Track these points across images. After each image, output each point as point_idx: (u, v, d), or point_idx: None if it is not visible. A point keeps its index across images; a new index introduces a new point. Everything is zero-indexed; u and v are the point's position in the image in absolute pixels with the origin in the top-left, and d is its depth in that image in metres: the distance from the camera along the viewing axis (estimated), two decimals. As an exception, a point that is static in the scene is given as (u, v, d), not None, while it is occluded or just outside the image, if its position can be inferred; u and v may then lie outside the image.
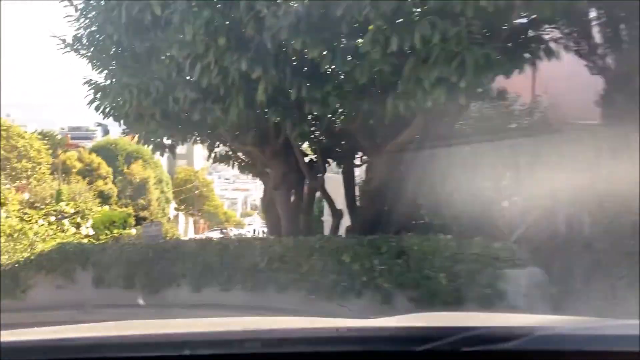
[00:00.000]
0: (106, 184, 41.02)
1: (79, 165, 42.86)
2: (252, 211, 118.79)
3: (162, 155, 8.84)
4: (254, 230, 71.45)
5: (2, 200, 18.01)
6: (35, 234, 9.72)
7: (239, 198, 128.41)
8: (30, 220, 10.15)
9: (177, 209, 61.14)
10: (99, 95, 7.50)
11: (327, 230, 9.98)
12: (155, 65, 6.56)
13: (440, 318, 2.35)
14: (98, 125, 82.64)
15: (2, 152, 32.42)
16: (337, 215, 7.38)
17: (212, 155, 9.59)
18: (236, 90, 5.82)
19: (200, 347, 1.53)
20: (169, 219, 53.38)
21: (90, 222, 11.36)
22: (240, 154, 9.58)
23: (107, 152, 47.15)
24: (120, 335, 1.71)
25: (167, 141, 8.81)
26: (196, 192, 64.09)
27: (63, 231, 10.70)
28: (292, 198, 7.92)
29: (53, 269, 8.62)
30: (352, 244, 6.23)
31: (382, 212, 7.47)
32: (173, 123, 7.96)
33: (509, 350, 1.43)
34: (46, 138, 43.84)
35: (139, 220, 36.92)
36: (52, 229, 10.17)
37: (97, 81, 7.52)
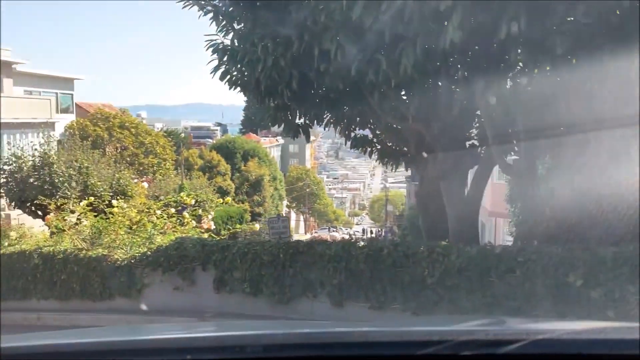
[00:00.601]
0: (225, 180, 42.08)
1: (200, 162, 44.55)
2: (360, 211, 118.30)
3: (294, 137, 7.35)
4: (363, 230, 70.77)
5: (129, 193, 18.07)
6: (154, 226, 8.74)
7: (347, 197, 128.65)
8: (149, 211, 9.22)
9: (288, 206, 61.67)
10: (225, 59, 6.14)
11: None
12: (296, 11, 4.98)
13: (440, 322, 2.33)
14: (218, 125, 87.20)
15: (131, 148, 34.27)
16: (534, 215, 5.28)
17: (350, 138, 7.94)
18: (414, 31, 4.04)
19: (201, 352, 1.53)
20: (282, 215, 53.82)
21: (212, 214, 10.25)
22: (382, 135, 7.81)
23: (225, 150, 48.79)
24: (121, 341, 1.73)
25: (299, 121, 7.31)
26: (307, 190, 64.26)
27: (183, 224, 9.68)
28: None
29: (170, 268, 7.50)
30: (583, 258, 4.15)
31: (594, 213, 5.26)
32: (311, 95, 6.40)
33: (508, 354, 1.39)
34: (171, 136, 46.15)
35: (254, 216, 37.29)
36: (171, 222, 9.17)
37: (223, 42, 6.17)
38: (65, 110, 34.35)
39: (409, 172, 19.90)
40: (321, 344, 1.56)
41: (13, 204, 17.84)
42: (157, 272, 7.63)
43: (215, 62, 6.38)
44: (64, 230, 9.36)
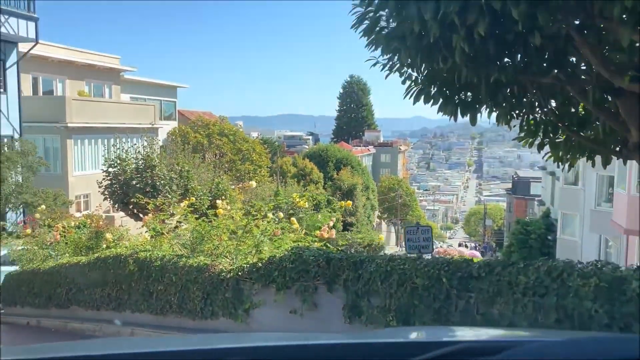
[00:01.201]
0: (317, 188, 41.05)
1: (293, 170, 44.09)
2: (452, 224, 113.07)
3: (455, 119, 5.43)
4: (459, 244, 66.75)
5: (227, 198, 17.14)
6: (263, 231, 7.24)
7: (439, 210, 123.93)
8: (257, 214, 7.75)
9: (380, 217, 59.45)
10: (375, 3, 4.44)
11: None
12: None
13: (424, 332, 2.26)
14: (310, 134, 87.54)
15: (229, 154, 34.34)
16: None
17: (521, 124, 5.93)
18: None
19: None
20: (373, 226, 51.93)
21: (334, 220, 8.59)
22: (567, 118, 5.72)
23: (318, 158, 48.11)
24: (106, 354, 1.69)
25: (459, 96, 5.41)
26: (399, 200, 61.60)
27: (293, 231, 8.13)
28: None
29: (286, 285, 5.90)
30: None
31: None
32: (494, 51, 4.51)
33: None
34: (266, 144, 46.22)
35: (346, 226, 35.76)
36: (283, 227, 7.63)
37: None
38: (168, 117, 35.09)
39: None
40: (305, 357, 1.53)
41: (116, 206, 17.62)
42: (269, 290, 6.07)
43: (358, 15, 4.71)
44: (163, 234, 8.19)
